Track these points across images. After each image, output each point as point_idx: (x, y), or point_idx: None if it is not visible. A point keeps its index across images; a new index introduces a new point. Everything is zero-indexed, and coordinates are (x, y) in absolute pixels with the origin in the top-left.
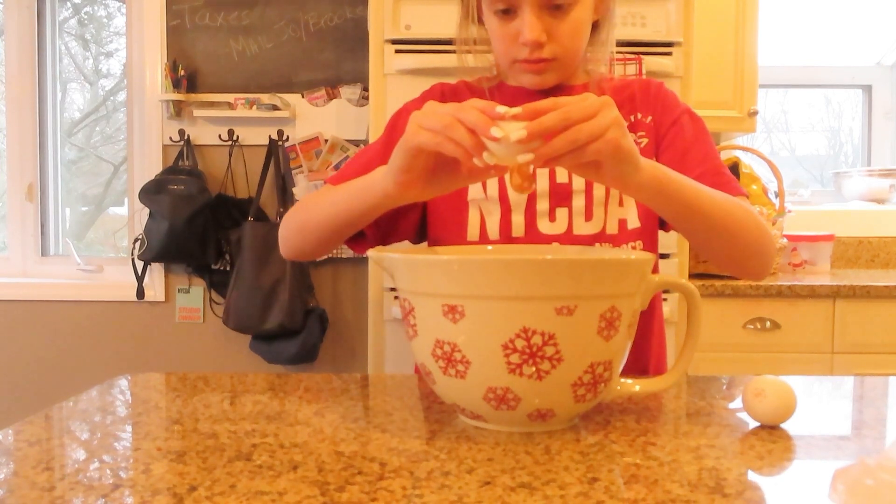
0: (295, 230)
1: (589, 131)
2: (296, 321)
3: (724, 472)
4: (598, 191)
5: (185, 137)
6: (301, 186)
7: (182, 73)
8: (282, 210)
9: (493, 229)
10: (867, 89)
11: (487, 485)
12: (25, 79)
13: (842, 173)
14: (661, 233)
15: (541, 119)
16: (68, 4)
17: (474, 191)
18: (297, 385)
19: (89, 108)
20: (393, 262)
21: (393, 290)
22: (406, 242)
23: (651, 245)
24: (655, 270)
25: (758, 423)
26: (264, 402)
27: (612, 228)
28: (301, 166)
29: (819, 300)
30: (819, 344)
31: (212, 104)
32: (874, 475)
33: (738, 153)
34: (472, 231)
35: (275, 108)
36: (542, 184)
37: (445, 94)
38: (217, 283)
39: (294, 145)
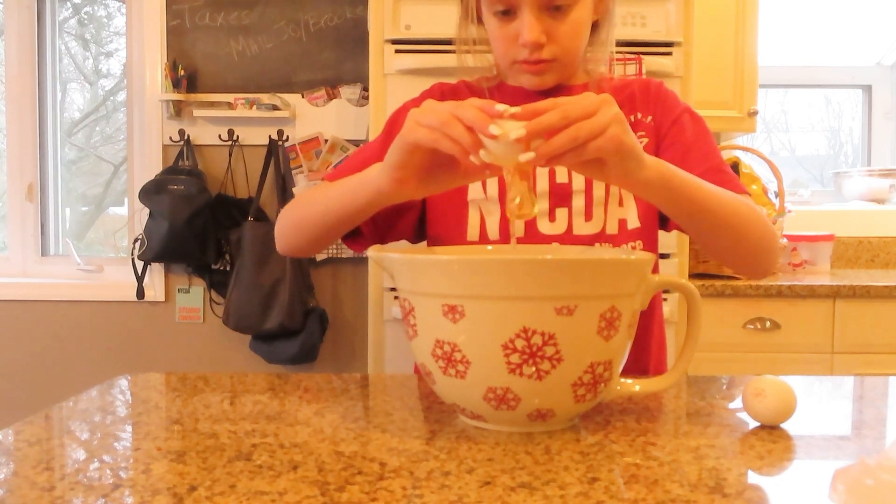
0: (290, 226)
1: (589, 128)
2: (296, 321)
3: (724, 472)
4: (598, 191)
5: (185, 137)
6: (301, 186)
7: (182, 73)
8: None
9: (493, 229)
10: (867, 89)
11: (487, 485)
12: (25, 79)
13: (842, 173)
14: (661, 233)
15: (540, 118)
16: (68, 4)
17: (474, 191)
18: (297, 385)
19: (89, 108)
20: (393, 262)
21: (393, 290)
22: (405, 242)
23: (651, 245)
24: (655, 270)
25: (758, 423)
26: (264, 402)
27: (612, 228)
28: (301, 166)
29: (819, 300)
30: (819, 344)
31: (212, 104)
32: (874, 475)
33: (738, 153)
34: (472, 231)
35: (275, 108)
36: (542, 184)
37: (445, 93)
38: (217, 283)
39: (294, 145)
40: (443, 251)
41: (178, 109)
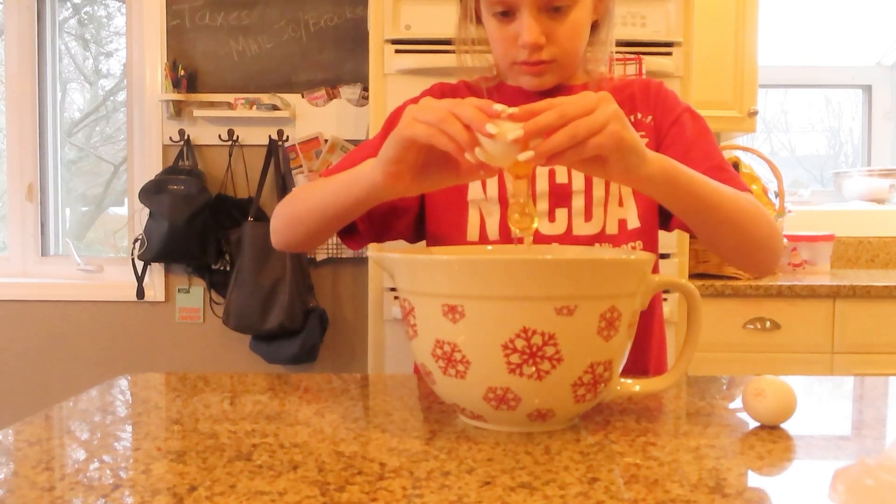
0: (285, 221)
1: (588, 125)
2: (296, 321)
3: (724, 472)
4: (598, 191)
5: (185, 137)
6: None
7: (182, 73)
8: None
9: (493, 229)
10: (867, 89)
11: (487, 485)
12: (25, 79)
13: (842, 173)
14: (661, 233)
15: (537, 118)
16: (68, 4)
17: (474, 191)
18: (297, 385)
19: (89, 108)
20: (393, 262)
21: (393, 290)
22: (405, 242)
23: (651, 245)
24: (655, 270)
25: (758, 423)
26: (264, 402)
27: (612, 229)
28: (301, 166)
29: (819, 300)
30: (819, 344)
31: (212, 104)
32: (874, 475)
33: (738, 153)
34: (472, 231)
35: (275, 108)
36: (542, 184)
37: (445, 93)
38: (217, 283)
39: (294, 145)
40: (442, 251)
41: (178, 109)
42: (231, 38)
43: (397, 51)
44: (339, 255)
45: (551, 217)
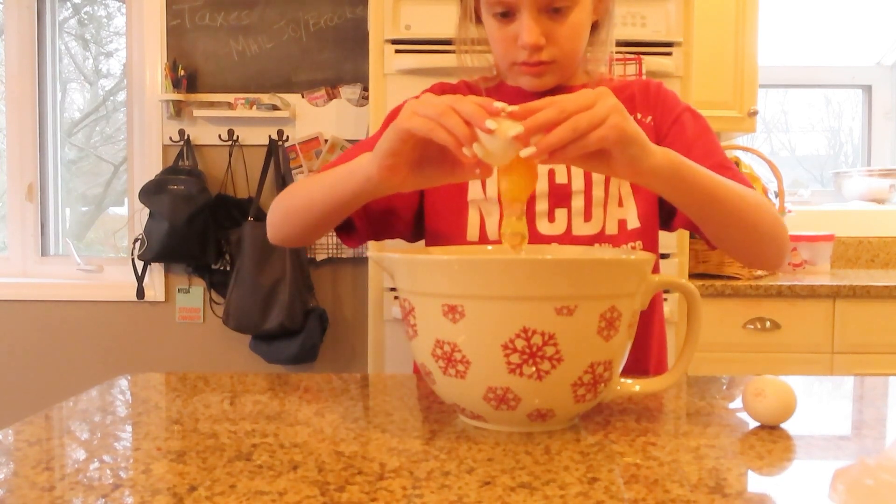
0: (281, 215)
1: (589, 119)
2: (296, 321)
3: (724, 472)
4: (598, 191)
5: (185, 137)
6: None
7: (182, 73)
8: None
9: (493, 229)
10: (867, 89)
11: (487, 485)
12: (25, 79)
13: (842, 173)
14: (661, 233)
15: (536, 115)
16: (68, 4)
17: (474, 191)
18: (297, 385)
19: (89, 108)
20: (393, 262)
21: (393, 290)
22: (404, 242)
23: (651, 245)
24: (655, 270)
25: (758, 423)
26: (264, 402)
27: (612, 229)
28: (301, 166)
29: (819, 300)
30: (819, 344)
31: (212, 104)
32: (874, 475)
33: (738, 153)
34: (472, 231)
35: (275, 108)
36: (542, 184)
37: (445, 93)
38: (217, 283)
39: (294, 145)
40: (442, 251)
41: (178, 109)
42: (231, 38)
43: (397, 51)
44: (339, 255)
45: (551, 217)
